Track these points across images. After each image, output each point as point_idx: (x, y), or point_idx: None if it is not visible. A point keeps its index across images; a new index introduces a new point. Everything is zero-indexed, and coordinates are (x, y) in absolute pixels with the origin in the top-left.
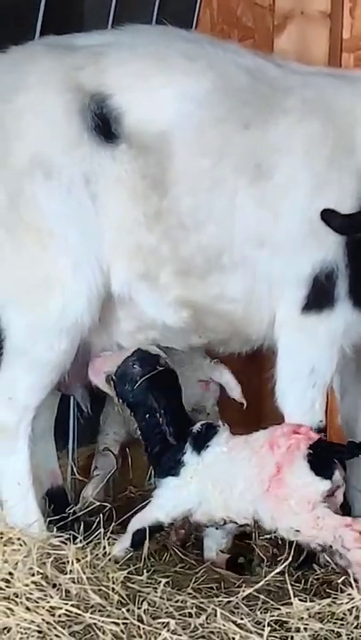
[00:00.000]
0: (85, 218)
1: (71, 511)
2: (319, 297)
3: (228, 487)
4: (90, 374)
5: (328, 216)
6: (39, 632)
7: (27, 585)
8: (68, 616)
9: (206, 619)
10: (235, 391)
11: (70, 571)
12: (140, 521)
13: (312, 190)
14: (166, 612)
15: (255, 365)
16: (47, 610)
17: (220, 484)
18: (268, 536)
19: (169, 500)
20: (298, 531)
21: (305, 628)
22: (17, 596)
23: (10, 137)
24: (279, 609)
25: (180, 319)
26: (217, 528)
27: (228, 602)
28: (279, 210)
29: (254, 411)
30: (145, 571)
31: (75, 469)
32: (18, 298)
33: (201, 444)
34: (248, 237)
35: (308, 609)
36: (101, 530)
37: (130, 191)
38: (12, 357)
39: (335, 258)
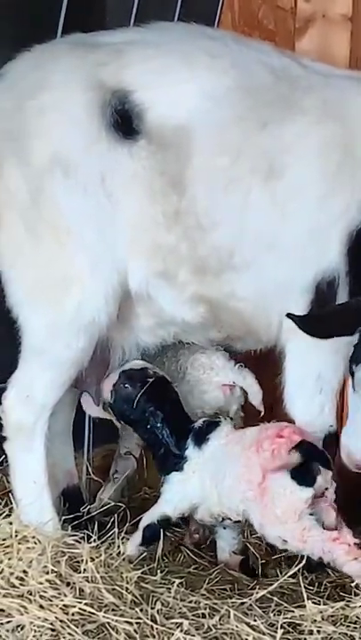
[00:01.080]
0: (102, 216)
1: (86, 510)
2: (322, 304)
3: (220, 481)
4: (85, 408)
5: (300, 321)
6: (52, 630)
7: (41, 583)
8: (82, 615)
9: (220, 620)
10: (256, 397)
11: (84, 570)
12: (149, 517)
13: (321, 194)
14: (180, 613)
15: (272, 369)
16: (61, 608)
17: (216, 477)
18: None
19: (175, 495)
20: (285, 540)
21: (318, 631)
22: (31, 594)
23: (32, 135)
24: (292, 611)
25: (198, 314)
26: (224, 528)
27: (242, 603)
28: (287, 212)
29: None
30: (159, 571)
31: (90, 469)
32: (35, 296)
33: (202, 438)
34: (258, 239)
35: (321, 612)
36: (116, 530)
37: (147, 188)
38: (29, 355)
39: (337, 266)
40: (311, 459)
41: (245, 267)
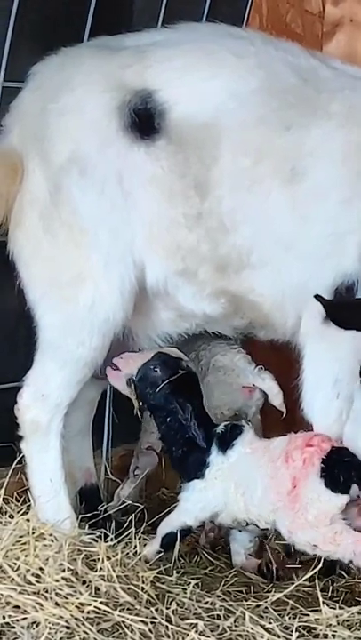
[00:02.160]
0: (118, 216)
1: (103, 509)
2: None
3: (248, 491)
4: (109, 376)
5: (327, 305)
6: (67, 628)
7: (57, 580)
8: (97, 613)
9: (235, 621)
10: (276, 398)
11: (100, 568)
12: (168, 525)
13: (342, 199)
14: (195, 614)
15: (294, 371)
16: (76, 606)
17: (242, 485)
18: (283, 542)
19: (196, 504)
20: (315, 545)
21: (333, 635)
22: (47, 592)
23: (53, 135)
24: (308, 615)
25: (219, 305)
26: (240, 530)
27: (257, 606)
28: (308, 215)
29: (291, 419)
30: (175, 571)
31: (108, 469)
32: (51, 293)
33: (226, 443)
34: (277, 239)
35: (336, 616)
36: (133, 529)
37: (166, 190)
38: (44, 353)
39: (356, 271)
40: (344, 464)
41: (263, 265)
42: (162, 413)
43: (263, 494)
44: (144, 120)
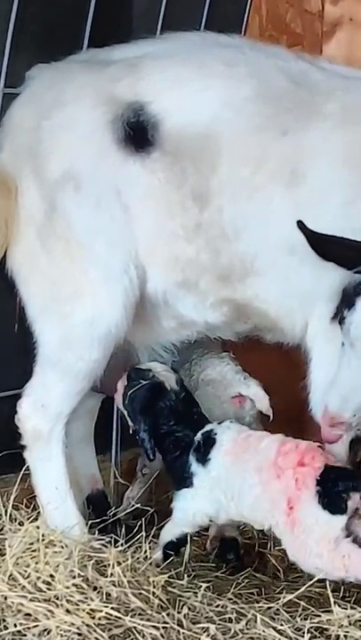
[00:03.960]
0: (116, 229)
1: (112, 514)
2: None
3: (239, 498)
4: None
5: (310, 235)
6: (79, 634)
7: (67, 587)
8: (108, 619)
9: (246, 624)
10: (261, 402)
11: (111, 574)
12: (167, 534)
13: (345, 200)
14: (206, 617)
15: (300, 373)
16: (87, 612)
17: (231, 494)
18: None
19: (188, 512)
20: (323, 571)
21: (345, 636)
22: (57, 599)
23: (47, 152)
24: (319, 616)
25: (222, 314)
26: None
27: (269, 608)
28: (311, 218)
29: (299, 419)
30: (185, 575)
31: (117, 473)
32: (50, 310)
33: (202, 456)
34: (281, 244)
35: (348, 616)
36: (143, 533)
37: (163, 201)
38: (44, 365)
39: None
40: (339, 483)
41: (268, 271)
42: (139, 424)
43: (255, 502)
44: (138, 133)
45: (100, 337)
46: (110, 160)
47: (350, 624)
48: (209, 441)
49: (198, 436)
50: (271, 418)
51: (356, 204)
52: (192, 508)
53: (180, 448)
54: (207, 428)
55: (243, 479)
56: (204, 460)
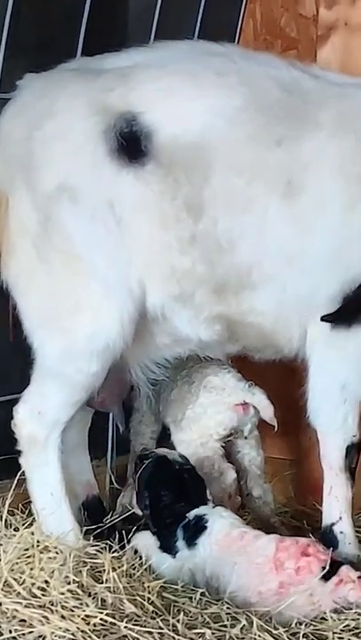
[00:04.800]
0: (112, 242)
1: (108, 520)
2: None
3: (221, 583)
4: None
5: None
6: None
7: (62, 593)
8: (104, 625)
9: (242, 629)
10: (266, 412)
11: (106, 580)
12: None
13: (344, 208)
14: (202, 623)
15: (294, 378)
16: (82, 619)
17: (213, 578)
18: None
19: (168, 570)
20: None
21: None
22: (52, 605)
23: (39, 163)
24: (315, 621)
25: (214, 332)
26: None
27: (264, 613)
28: (309, 227)
29: (294, 422)
30: (180, 580)
31: (113, 478)
32: (49, 322)
33: (190, 538)
34: (278, 255)
35: (343, 622)
36: (137, 533)
37: (158, 213)
38: (43, 375)
39: None
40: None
41: (265, 282)
42: (143, 501)
43: (239, 589)
44: (131, 143)
45: (99, 351)
46: (104, 171)
47: (346, 630)
48: (198, 526)
49: (191, 514)
50: (276, 428)
51: (355, 210)
52: (172, 573)
53: (173, 517)
54: (200, 511)
55: (231, 570)
56: (190, 542)
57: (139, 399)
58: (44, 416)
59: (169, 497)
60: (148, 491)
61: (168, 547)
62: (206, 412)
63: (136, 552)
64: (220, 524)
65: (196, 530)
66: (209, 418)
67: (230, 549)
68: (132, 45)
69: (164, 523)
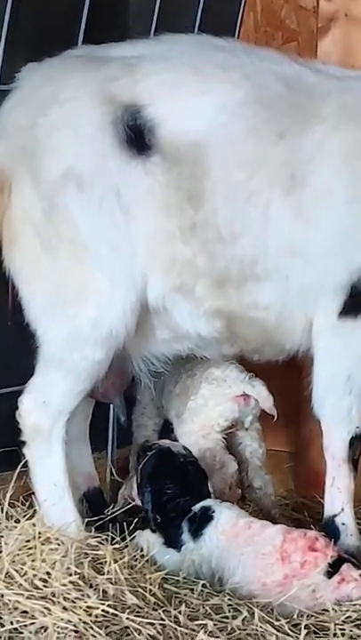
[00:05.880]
0: (118, 231)
1: (109, 512)
2: (356, 304)
3: (225, 575)
4: None
5: None
6: (76, 632)
7: (64, 585)
8: (105, 616)
9: (243, 620)
10: (266, 402)
11: (108, 571)
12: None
13: (349, 199)
14: (203, 614)
15: (294, 370)
16: (84, 610)
17: (219, 571)
18: None
19: (170, 564)
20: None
21: (342, 634)
22: (54, 596)
23: (44, 151)
24: (316, 613)
25: (214, 329)
26: None
27: (266, 604)
28: (314, 219)
29: (295, 414)
30: (181, 572)
31: (114, 471)
32: (54, 309)
33: (196, 529)
34: (281, 247)
35: (345, 614)
36: (139, 530)
37: (163, 203)
38: (47, 364)
39: None
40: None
41: (269, 275)
42: (144, 493)
43: (243, 581)
44: (138, 136)
45: (103, 338)
46: (113, 162)
47: (348, 622)
48: (205, 517)
49: (196, 506)
50: (276, 417)
51: (359, 201)
52: (176, 566)
53: (177, 511)
54: (206, 502)
55: (235, 559)
56: (196, 533)
57: (141, 391)
58: (48, 405)
59: (172, 490)
60: (150, 484)
61: (173, 541)
62: (207, 404)
63: (142, 549)
64: (227, 514)
65: (202, 521)
66: (210, 409)
67: (237, 539)
68: (132, 37)
69: (167, 516)
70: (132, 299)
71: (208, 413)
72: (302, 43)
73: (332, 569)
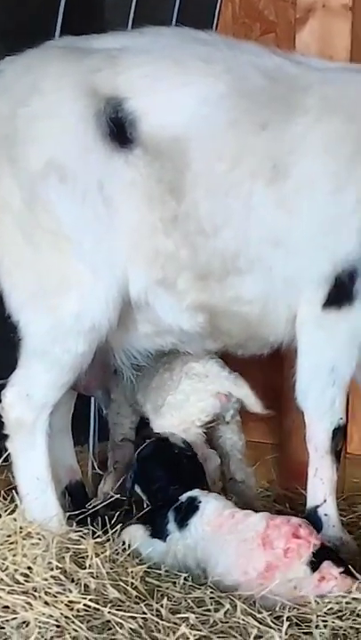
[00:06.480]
0: (100, 223)
1: (90, 506)
2: (339, 295)
3: (209, 566)
4: None
5: None
6: (57, 626)
7: (45, 579)
8: (87, 611)
9: (225, 613)
10: (254, 406)
11: (89, 565)
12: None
13: (332, 189)
14: (185, 607)
15: (277, 361)
16: (66, 604)
17: (203, 562)
18: None
19: (155, 557)
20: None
21: (325, 625)
22: (36, 591)
23: (25, 141)
24: (298, 605)
25: (196, 324)
26: None
27: (248, 597)
28: (296, 210)
29: (276, 406)
30: (164, 565)
31: (95, 464)
32: (36, 301)
33: (181, 519)
34: (264, 239)
35: (327, 606)
36: (121, 524)
37: (145, 196)
38: (30, 356)
39: (357, 256)
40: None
41: (252, 267)
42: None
43: (226, 571)
44: (119, 129)
45: (85, 331)
46: (96, 154)
47: (330, 613)
48: (191, 507)
49: (183, 496)
50: (262, 411)
51: (344, 191)
52: (160, 558)
53: (165, 501)
54: (193, 493)
55: (219, 549)
56: (181, 523)
57: (115, 390)
58: (31, 398)
59: (164, 479)
60: (143, 470)
61: (158, 530)
62: (188, 400)
63: (123, 543)
64: (213, 505)
65: (188, 511)
66: (191, 405)
67: (221, 529)
68: (110, 30)
69: (156, 505)
70: (114, 291)
71: (189, 409)
72: (280, 34)
73: (316, 559)
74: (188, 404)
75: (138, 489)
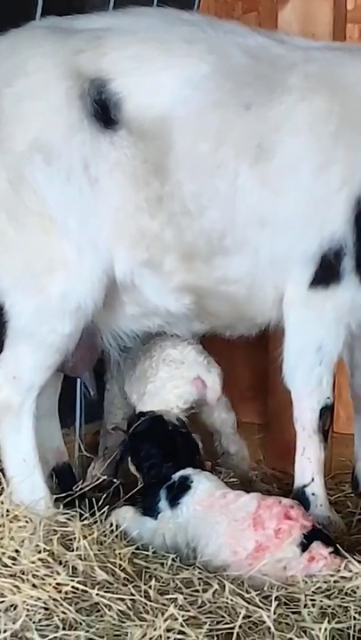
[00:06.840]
0: (85, 203)
1: (78, 488)
2: (326, 274)
3: (199, 546)
4: None
5: None
6: (45, 609)
7: (33, 562)
8: (75, 593)
9: (214, 594)
10: (210, 393)
11: (77, 547)
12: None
13: (317, 168)
14: (174, 588)
15: (262, 342)
16: (54, 587)
17: (193, 542)
18: None
19: (147, 534)
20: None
21: (313, 604)
22: (23, 573)
23: (10, 122)
24: (286, 584)
25: (183, 305)
26: None
27: (236, 577)
28: (282, 189)
29: (263, 386)
30: (151, 546)
31: (82, 446)
32: (22, 281)
33: (173, 498)
34: (250, 219)
35: (315, 585)
36: (108, 507)
37: (130, 176)
38: (16, 338)
39: (344, 234)
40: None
41: (238, 248)
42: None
43: (217, 551)
44: (104, 110)
45: (71, 311)
46: (81, 135)
47: (318, 592)
48: (183, 486)
49: (176, 475)
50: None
51: (327, 169)
52: (149, 538)
53: (158, 478)
54: (186, 472)
55: (209, 528)
56: (173, 502)
57: (111, 381)
58: (18, 381)
59: (157, 456)
60: (135, 447)
61: (150, 508)
62: (165, 387)
63: (111, 525)
64: (205, 484)
65: (180, 490)
66: (168, 392)
67: (213, 509)
68: (90, 11)
69: (148, 482)
70: (99, 271)
71: (166, 396)
72: (262, 12)
73: (307, 540)
74: (164, 391)
75: (131, 467)
